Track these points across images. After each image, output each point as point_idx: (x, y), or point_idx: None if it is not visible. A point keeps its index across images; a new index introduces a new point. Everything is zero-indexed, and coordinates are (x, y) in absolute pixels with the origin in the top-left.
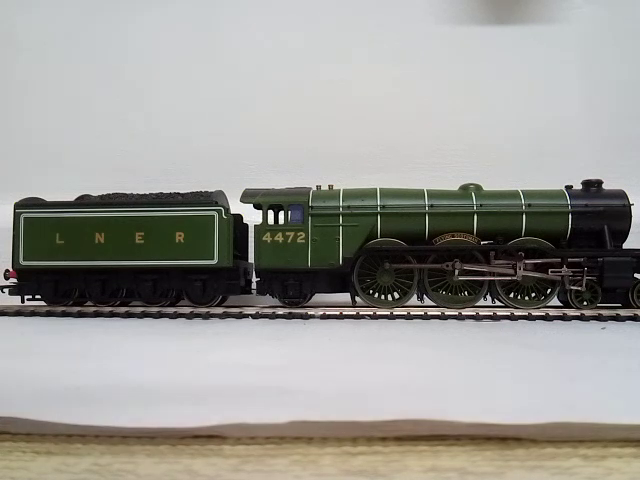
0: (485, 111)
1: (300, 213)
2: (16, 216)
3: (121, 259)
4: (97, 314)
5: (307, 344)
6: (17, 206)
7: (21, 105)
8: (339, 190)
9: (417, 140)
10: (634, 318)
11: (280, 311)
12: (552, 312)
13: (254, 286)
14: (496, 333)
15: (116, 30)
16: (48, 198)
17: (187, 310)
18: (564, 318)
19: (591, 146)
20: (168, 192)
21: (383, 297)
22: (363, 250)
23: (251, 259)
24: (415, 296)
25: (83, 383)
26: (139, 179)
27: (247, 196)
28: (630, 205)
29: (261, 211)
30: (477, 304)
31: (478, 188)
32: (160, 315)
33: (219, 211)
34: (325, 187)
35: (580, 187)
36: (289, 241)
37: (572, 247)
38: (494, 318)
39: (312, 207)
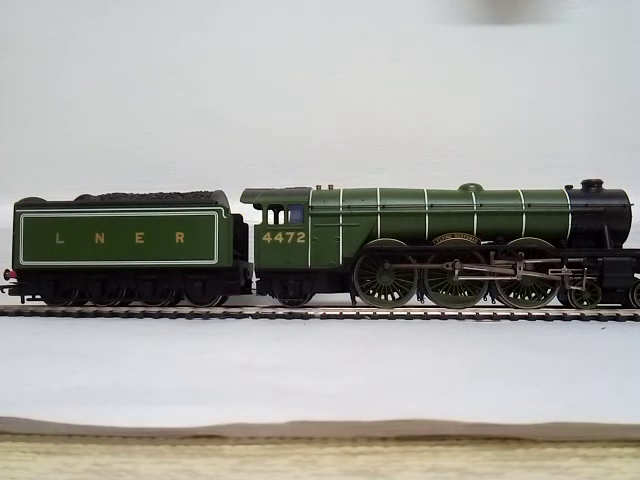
0: (485, 111)
1: (300, 213)
2: (16, 216)
3: (121, 259)
4: (97, 314)
5: (307, 344)
6: (17, 206)
7: (21, 105)
8: (339, 190)
9: (417, 140)
10: (634, 318)
11: (280, 311)
12: (552, 312)
13: (254, 286)
14: (496, 333)
15: (117, 30)
16: (48, 198)
17: (187, 310)
18: (564, 318)
19: (591, 146)
20: (168, 192)
21: (383, 297)
22: (363, 250)
23: (251, 259)
24: (415, 296)
25: (83, 383)
26: (139, 179)
27: (247, 196)
28: (630, 205)
29: (261, 211)
30: (477, 304)
31: (478, 188)
32: (160, 315)
33: (219, 211)
34: (325, 187)
35: (580, 187)
36: (289, 241)
37: (572, 247)
38: (494, 318)
39: (312, 207)
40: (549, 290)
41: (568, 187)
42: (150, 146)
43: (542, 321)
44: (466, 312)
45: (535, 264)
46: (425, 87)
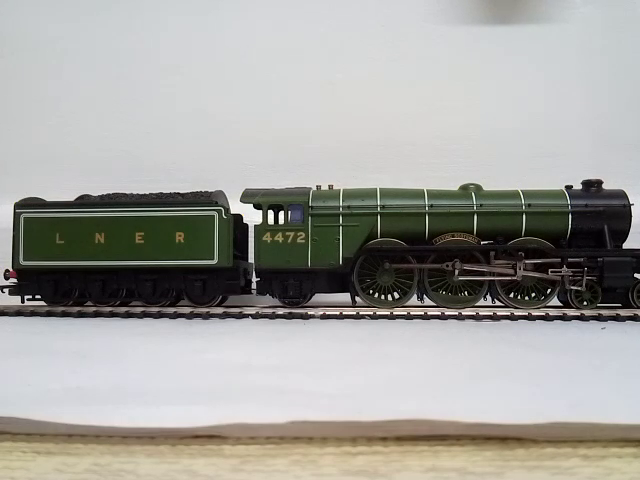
0: (485, 111)
1: (300, 213)
2: (16, 216)
3: (121, 259)
4: (97, 314)
5: (307, 344)
6: (17, 206)
7: (21, 105)
8: (339, 190)
9: (417, 140)
10: (634, 318)
11: (280, 311)
12: (552, 312)
13: (254, 286)
14: (496, 333)
15: (117, 30)
16: (48, 198)
17: (187, 310)
18: (564, 318)
19: (591, 146)
20: (168, 192)
21: (383, 297)
22: (363, 250)
23: (251, 259)
24: (415, 296)
25: (83, 383)
26: (139, 179)
27: (247, 196)
28: (630, 205)
29: (261, 211)
30: (477, 304)
31: (478, 188)
32: (160, 315)
33: (219, 211)
34: (325, 187)
35: (580, 187)
36: (289, 241)
37: (572, 247)
38: (494, 318)
39: (312, 207)
40: (549, 290)
41: (568, 187)
42: (150, 146)
43: (542, 321)
44: (466, 312)
45: (535, 264)
46: (425, 87)
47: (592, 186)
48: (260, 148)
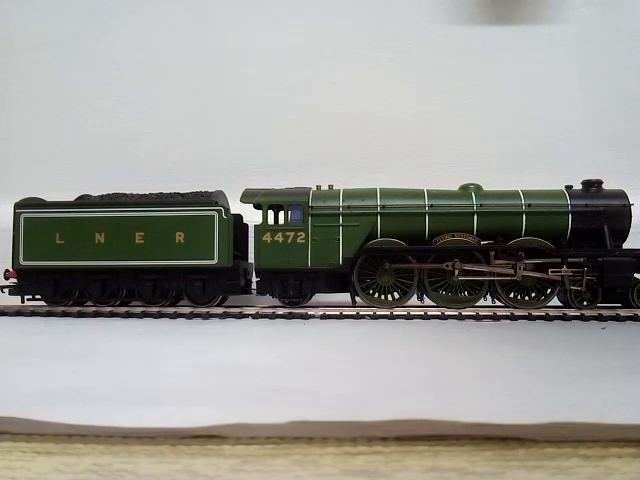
0: (485, 111)
1: (300, 213)
2: (16, 216)
3: (121, 259)
4: (97, 314)
5: (307, 344)
6: (17, 206)
7: (21, 105)
8: (339, 190)
9: (417, 140)
10: (634, 318)
11: (280, 311)
12: (552, 312)
13: (254, 286)
14: (496, 333)
15: (116, 30)
16: (48, 198)
17: (187, 310)
18: (564, 318)
19: (591, 146)
20: (168, 192)
21: (383, 297)
22: (363, 250)
23: (251, 259)
24: (415, 296)
25: (83, 383)
26: (139, 179)
27: (247, 196)
28: (630, 205)
29: (261, 211)
30: (477, 304)
31: (478, 188)
32: (160, 315)
33: (219, 211)
34: (325, 187)
35: (580, 187)
36: (289, 241)
37: (572, 247)
38: (494, 318)
39: (312, 207)
40: (549, 290)
41: (568, 187)
42: (150, 146)
43: (542, 321)
44: (466, 312)
45: (535, 264)
46: (425, 87)
47: (592, 186)
48: (260, 148)
